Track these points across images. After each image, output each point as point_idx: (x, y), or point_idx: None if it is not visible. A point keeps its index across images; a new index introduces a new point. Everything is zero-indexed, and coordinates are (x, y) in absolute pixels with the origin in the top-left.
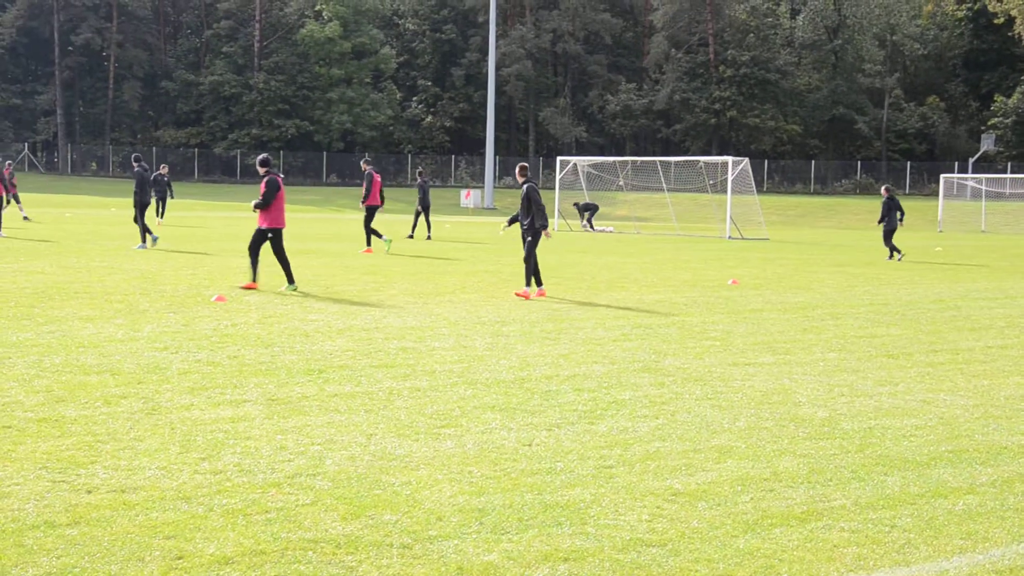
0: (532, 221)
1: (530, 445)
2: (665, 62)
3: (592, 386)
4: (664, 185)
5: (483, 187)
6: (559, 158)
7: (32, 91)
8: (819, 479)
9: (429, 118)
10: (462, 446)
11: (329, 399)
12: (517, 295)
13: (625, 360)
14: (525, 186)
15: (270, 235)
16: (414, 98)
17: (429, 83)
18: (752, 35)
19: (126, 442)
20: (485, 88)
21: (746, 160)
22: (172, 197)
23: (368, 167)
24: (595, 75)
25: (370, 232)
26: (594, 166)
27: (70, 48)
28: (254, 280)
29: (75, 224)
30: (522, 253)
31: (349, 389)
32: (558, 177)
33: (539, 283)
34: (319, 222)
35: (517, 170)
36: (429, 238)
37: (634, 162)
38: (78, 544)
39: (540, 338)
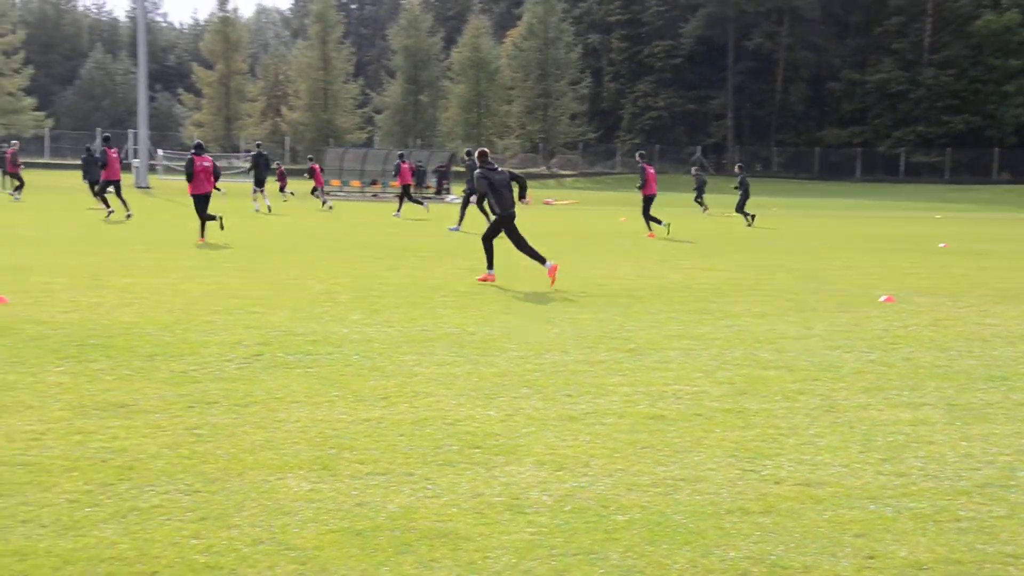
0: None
1: None
2: None
3: None
4: None
5: None
6: None
7: (706, 96)
8: None
9: None
10: None
11: (1016, 408)
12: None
13: None
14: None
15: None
16: None
17: None
18: None
19: (806, 437)
20: None
21: None
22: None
23: (642, 160)
24: None
25: (649, 219)
26: None
27: (741, 54)
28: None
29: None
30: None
31: None
32: None
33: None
34: (986, 223)
35: (476, 155)
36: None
37: None
38: (771, 532)
39: None
